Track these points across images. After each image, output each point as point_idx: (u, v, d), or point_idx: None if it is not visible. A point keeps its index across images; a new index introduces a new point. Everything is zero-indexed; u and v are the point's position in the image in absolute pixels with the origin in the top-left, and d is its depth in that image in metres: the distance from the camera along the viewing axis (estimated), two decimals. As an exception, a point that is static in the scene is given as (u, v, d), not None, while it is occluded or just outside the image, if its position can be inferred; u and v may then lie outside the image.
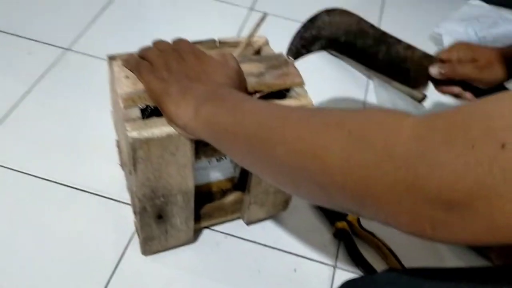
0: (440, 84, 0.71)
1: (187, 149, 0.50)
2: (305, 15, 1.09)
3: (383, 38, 0.67)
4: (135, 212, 0.56)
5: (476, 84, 0.69)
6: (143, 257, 0.64)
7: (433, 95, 0.88)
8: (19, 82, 0.84)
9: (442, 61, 0.69)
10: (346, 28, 0.65)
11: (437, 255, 0.72)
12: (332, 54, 1.02)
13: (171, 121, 0.48)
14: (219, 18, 1.07)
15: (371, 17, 1.12)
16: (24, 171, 0.72)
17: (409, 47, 0.68)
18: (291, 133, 0.38)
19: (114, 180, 0.70)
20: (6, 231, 0.65)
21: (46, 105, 0.82)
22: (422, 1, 1.26)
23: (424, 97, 0.90)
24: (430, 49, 1.08)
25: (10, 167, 0.72)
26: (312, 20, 0.64)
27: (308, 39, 0.64)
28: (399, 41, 0.68)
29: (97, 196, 0.70)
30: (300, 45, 0.63)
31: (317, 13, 0.64)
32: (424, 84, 0.72)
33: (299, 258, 0.69)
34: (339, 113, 0.38)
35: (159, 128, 0.48)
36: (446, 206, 0.29)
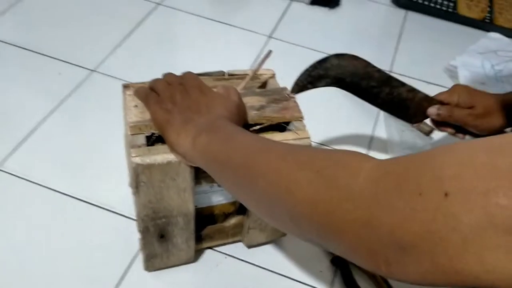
0: (436, 123, 0.74)
1: (187, 175, 0.55)
2: (320, 44, 1.13)
3: (388, 81, 0.70)
4: (138, 231, 0.60)
5: (471, 130, 0.71)
6: (147, 273, 0.69)
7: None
8: (48, 100, 0.91)
9: (441, 102, 0.72)
10: (353, 70, 0.69)
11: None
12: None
13: (173, 149, 0.52)
14: (239, 44, 1.12)
15: (388, 49, 1.16)
16: (44, 185, 0.78)
17: (412, 90, 0.71)
18: (271, 167, 0.42)
19: (126, 198, 0.75)
20: (25, 239, 0.71)
21: (69, 123, 0.88)
22: (440, 34, 1.27)
23: (431, 130, 0.92)
24: (445, 81, 1.10)
25: (32, 180, 0.78)
26: (321, 62, 0.68)
27: (314, 77, 0.68)
28: (403, 84, 0.71)
29: (109, 212, 0.75)
30: (306, 82, 0.67)
31: (327, 56, 0.68)
32: (419, 121, 0.75)
33: (296, 283, 0.72)
34: (313, 152, 0.42)
35: (161, 155, 0.52)
36: (397, 246, 0.31)
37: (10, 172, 0.79)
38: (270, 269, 0.72)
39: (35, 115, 0.88)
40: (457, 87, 0.74)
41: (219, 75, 0.65)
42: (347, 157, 0.39)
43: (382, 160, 0.36)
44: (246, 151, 0.46)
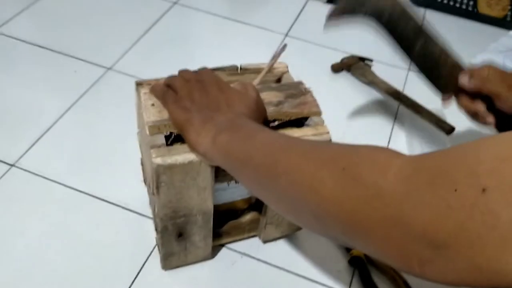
0: (465, 97, 0.71)
1: (208, 174, 0.54)
2: (337, 43, 1.11)
3: (422, 32, 0.69)
4: (156, 230, 0.60)
5: (502, 104, 0.67)
6: (161, 271, 0.68)
7: (460, 128, 0.88)
8: (63, 98, 0.91)
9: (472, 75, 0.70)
10: (392, 6, 0.68)
11: None
12: (357, 79, 1.04)
13: (193, 149, 0.52)
14: (255, 43, 1.11)
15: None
16: (60, 182, 0.77)
17: (444, 51, 0.70)
18: (294, 165, 0.41)
19: (140, 195, 0.75)
20: (41, 236, 0.71)
21: (84, 121, 0.88)
22: (460, 32, 1.25)
23: (452, 129, 0.90)
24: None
25: (48, 177, 0.78)
26: None
27: (357, 1, 0.67)
28: (436, 43, 0.70)
29: (124, 210, 0.75)
30: (346, 5, 0.66)
31: None
32: (450, 91, 0.72)
33: (313, 283, 0.70)
34: (337, 149, 0.41)
35: (182, 155, 0.52)
36: (431, 245, 0.30)
37: (26, 169, 0.79)
38: (287, 268, 0.71)
39: (50, 113, 0.88)
40: (487, 64, 0.71)
41: (232, 70, 0.64)
42: (375, 153, 0.37)
43: (412, 155, 0.35)
44: (267, 150, 0.45)
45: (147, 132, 0.53)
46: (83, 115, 0.89)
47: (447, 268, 0.30)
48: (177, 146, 0.52)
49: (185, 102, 0.53)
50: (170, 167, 0.51)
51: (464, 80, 0.69)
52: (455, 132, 0.91)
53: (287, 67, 0.67)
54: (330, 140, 0.59)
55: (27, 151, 0.81)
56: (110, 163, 0.81)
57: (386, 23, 0.68)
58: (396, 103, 1.00)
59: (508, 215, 0.26)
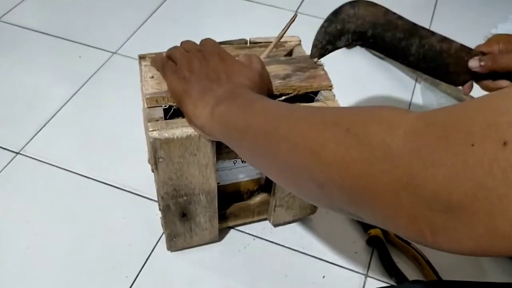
0: (483, 79, 0.66)
1: (208, 150, 0.52)
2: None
3: (414, 30, 0.63)
4: (159, 209, 0.57)
5: None
6: (171, 255, 0.66)
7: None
8: (69, 83, 0.90)
9: (482, 53, 0.65)
10: (373, 20, 0.62)
11: (479, 268, 0.68)
12: (372, 53, 1.00)
13: (191, 122, 0.49)
14: (264, 21, 1.08)
15: (423, 18, 1.09)
16: (66, 168, 0.76)
17: (444, 39, 0.64)
18: (293, 131, 0.38)
19: (147, 179, 0.73)
20: (49, 223, 0.70)
21: (90, 106, 0.86)
22: (479, 1, 1.19)
23: (473, 100, 0.85)
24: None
25: (54, 164, 0.77)
26: (335, 14, 0.62)
27: (332, 34, 0.62)
28: (432, 33, 0.64)
29: (132, 194, 0.73)
30: (325, 41, 0.62)
31: (340, 6, 0.62)
32: (466, 81, 0.67)
33: (329, 264, 0.67)
34: (338, 110, 0.38)
35: (180, 129, 0.49)
36: (444, 208, 0.27)
37: (32, 156, 0.78)
38: (302, 251, 0.69)
39: (56, 99, 0.87)
40: (495, 37, 0.67)
41: (241, 43, 0.61)
42: (382, 111, 0.33)
43: (424, 111, 0.31)
44: (266, 117, 0.42)
45: (145, 105, 0.51)
46: (89, 100, 0.87)
47: (463, 235, 0.27)
48: (176, 120, 0.50)
49: (184, 72, 0.50)
50: (167, 141, 0.49)
51: (474, 65, 0.65)
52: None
53: (299, 40, 0.63)
54: None
55: (32, 138, 0.80)
56: (116, 148, 0.80)
57: (372, 39, 0.63)
58: (413, 76, 0.95)
59: None
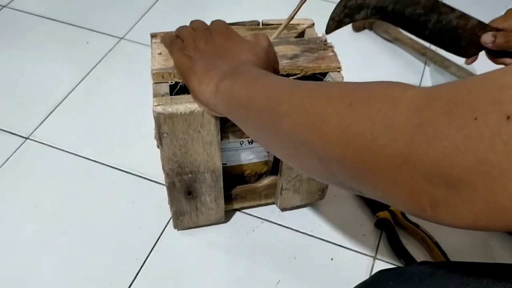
0: (492, 54, 0.66)
1: (212, 127, 0.52)
2: None
3: (435, 6, 0.63)
4: (166, 186, 0.58)
5: None
6: (181, 236, 0.67)
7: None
8: (76, 69, 0.91)
9: (496, 29, 0.64)
10: None
11: (488, 249, 0.68)
12: (381, 36, 0.99)
13: (195, 98, 0.50)
14: (277, 3, 1.07)
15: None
16: (75, 153, 0.77)
17: (462, 15, 0.64)
18: (296, 106, 0.38)
19: (155, 163, 0.73)
20: (58, 207, 0.71)
21: (98, 91, 0.87)
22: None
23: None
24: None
25: (63, 148, 0.78)
26: None
27: (352, 8, 0.61)
28: (452, 10, 0.63)
29: (140, 178, 0.74)
30: (343, 14, 0.61)
31: None
32: (474, 54, 0.67)
33: (337, 247, 0.68)
34: (343, 85, 0.38)
35: (184, 105, 0.50)
36: (445, 182, 0.27)
37: (41, 141, 0.79)
38: (310, 233, 0.69)
39: (64, 85, 0.88)
40: (509, 12, 0.66)
41: (253, 25, 0.61)
42: (385, 86, 0.33)
43: (428, 87, 0.31)
44: (270, 92, 0.42)
45: (151, 80, 0.52)
46: (97, 85, 0.88)
47: (463, 209, 0.27)
48: (180, 96, 0.51)
49: (190, 50, 0.51)
50: (171, 116, 0.49)
51: (487, 40, 0.64)
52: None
53: (313, 23, 0.63)
54: None
55: (41, 123, 0.81)
56: (124, 132, 0.80)
57: (391, 14, 0.62)
58: (422, 59, 0.94)
59: None
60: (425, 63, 0.94)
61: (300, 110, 0.37)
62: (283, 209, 0.71)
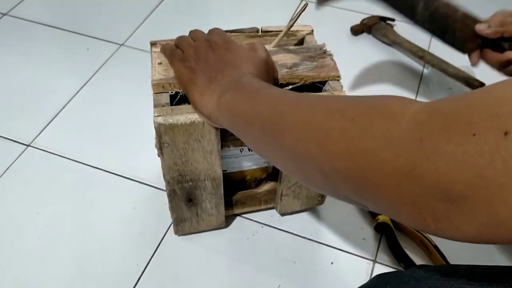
0: (491, 52, 0.66)
1: (212, 136, 0.53)
2: (361, 4, 1.07)
3: None
4: (167, 193, 0.59)
5: None
6: (182, 242, 0.68)
7: (490, 83, 0.82)
8: (77, 76, 0.92)
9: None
10: None
11: (488, 252, 0.68)
12: (380, 40, 0.99)
13: (197, 110, 0.50)
14: (272, 8, 1.08)
15: None
16: (76, 160, 0.78)
17: (448, 4, 0.65)
18: (299, 120, 0.39)
19: (155, 169, 0.74)
20: (59, 214, 0.72)
21: (98, 98, 0.88)
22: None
23: (481, 85, 0.85)
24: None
25: (64, 155, 0.79)
26: None
27: None
28: None
29: (140, 184, 0.75)
30: None
31: None
32: (473, 49, 0.67)
33: (337, 251, 0.68)
34: (344, 99, 0.38)
35: (184, 115, 0.51)
36: (446, 197, 0.28)
37: (42, 148, 0.80)
38: (310, 238, 0.70)
39: (64, 92, 0.89)
40: (499, 12, 0.66)
41: (252, 32, 0.62)
42: (387, 101, 0.34)
43: (429, 101, 0.31)
44: (272, 106, 0.42)
45: (152, 90, 0.53)
46: (97, 92, 0.89)
47: (465, 224, 0.27)
48: (181, 106, 0.52)
49: (190, 61, 0.51)
50: (172, 127, 0.50)
51: (482, 27, 0.64)
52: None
53: (312, 30, 0.64)
54: None
55: (42, 130, 0.82)
56: (125, 138, 0.81)
57: None
58: (421, 63, 0.95)
59: None
60: (424, 66, 0.95)
61: (302, 124, 0.38)
62: (283, 214, 0.72)
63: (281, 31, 0.61)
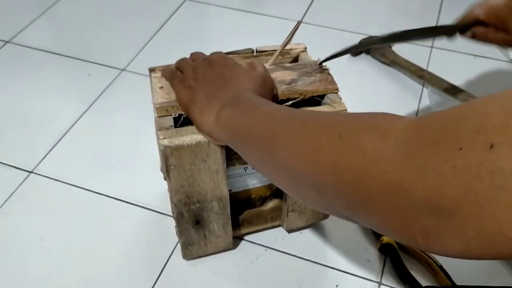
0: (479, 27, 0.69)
1: (218, 156, 0.54)
2: (356, 25, 1.09)
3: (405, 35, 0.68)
4: (173, 217, 0.59)
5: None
6: (185, 267, 0.69)
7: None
8: (79, 102, 0.93)
9: (467, 24, 0.69)
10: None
11: (494, 272, 0.68)
12: (379, 60, 1.00)
13: (199, 128, 0.52)
14: (271, 32, 1.10)
15: (430, 15, 1.10)
16: (79, 185, 0.79)
17: (432, 28, 0.70)
18: (292, 137, 0.40)
19: (159, 193, 0.75)
20: (63, 240, 0.72)
21: (100, 123, 0.90)
22: None
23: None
24: (495, 53, 1.02)
25: (67, 181, 0.80)
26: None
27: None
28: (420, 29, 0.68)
29: (143, 209, 0.76)
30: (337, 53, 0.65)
31: None
32: (468, 29, 0.70)
33: (342, 273, 0.68)
34: (333, 116, 0.39)
35: (190, 136, 0.52)
36: (435, 212, 0.28)
37: (45, 174, 0.80)
38: (314, 260, 0.70)
39: (66, 117, 0.90)
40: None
41: (248, 52, 0.63)
42: (375, 118, 0.35)
43: (416, 117, 0.32)
44: (268, 122, 0.44)
45: (155, 114, 0.54)
46: (99, 117, 0.90)
47: (453, 239, 0.28)
48: (185, 128, 0.53)
49: (190, 81, 0.53)
50: (178, 149, 0.52)
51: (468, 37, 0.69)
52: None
53: (305, 48, 0.66)
54: None
55: (45, 156, 0.83)
56: (127, 163, 0.82)
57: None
58: (420, 82, 0.96)
59: None
60: (423, 85, 0.96)
61: (295, 141, 0.39)
62: (290, 231, 0.72)
63: (275, 50, 0.64)
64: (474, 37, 0.69)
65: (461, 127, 0.27)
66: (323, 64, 0.61)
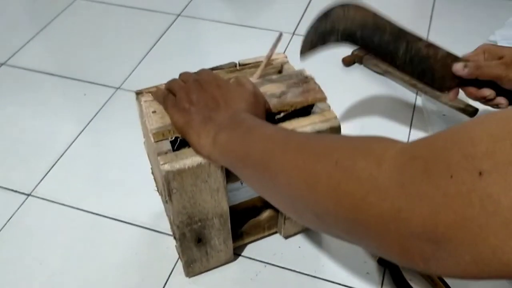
0: (469, 86, 0.68)
1: (219, 175, 0.55)
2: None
3: (401, 34, 0.66)
4: (175, 238, 0.62)
5: (505, 84, 0.66)
6: (187, 283, 0.69)
7: (483, 108, 0.84)
8: (75, 122, 0.94)
9: (467, 61, 0.67)
10: (361, 22, 0.65)
11: (495, 285, 0.68)
12: (372, 70, 1.01)
13: (197, 151, 0.52)
14: (263, 45, 1.09)
15: (420, 30, 1.11)
16: (76, 207, 0.79)
17: (431, 45, 0.67)
18: (289, 163, 0.41)
19: (158, 212, 0.75)
20: (62, 263, 0.73)
21: (96, 143, 0.90)
22: (475, 8, 1.22)
23: (475, 111, 0.86)
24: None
25: (64, 203, 0.80)
26: (326, 14, 0.65)
27: (323, 32, 0.65)
28: (419, 39, 0.66)
29: (142, 229, 0.76)
30: (315, 39, 0.64)
31: (331, 7, 0.65)
32: (451, 87, 0.69)
33: (342, 287, 0.69)
34: (330, 141, 0.40)
35: (190, 159, 0.53)
36: (432, 239, 0.29)
37: (42, 197, 0.81)
38: (313, 274, 0.70)
39: (63, 138, 0.91)
40: (482, 46, 0.68)
41: (231, 67, 0.65)
42: (369, 143, 0.36)
43: (408, 143, 0.33)
44: (264, 147, 0.44)
45: (152, 140, 0.54)
46: (96, 137, 0.91)
47: (451, 263, 0.29)
48: (184, 150, 0.54)
49: (184, 104, 0.53)
50: (180, 172, 0.52)
51: (458, 68, 0.67)
52: (478, 113, 0.87)
53: (286, 57, 0.68)
54: (339, 126, 0.59)
55: (42, 179, 0.83)
56: (124, 183, 0.83)
57: (361, 40, 0.66)
58: (414, 90, 0.97)
59: (508, 198, 0.24)
60: (417, 94, 0.96)
61: (293, 167, 0.39)
62: (287, 237, 0.73)
63: (258, 62, 0.65)
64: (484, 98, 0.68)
65: (450, 154, 0.28)
66: (308, 75, 0.62)
